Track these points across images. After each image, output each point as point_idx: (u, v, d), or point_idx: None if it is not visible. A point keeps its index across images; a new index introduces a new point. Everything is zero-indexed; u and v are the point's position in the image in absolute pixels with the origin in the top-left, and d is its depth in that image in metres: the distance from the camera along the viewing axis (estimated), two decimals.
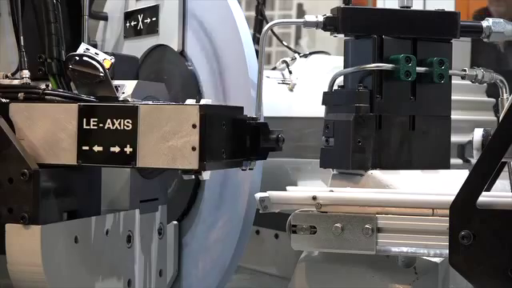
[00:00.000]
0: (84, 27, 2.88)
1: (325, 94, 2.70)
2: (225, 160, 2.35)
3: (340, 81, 2.72)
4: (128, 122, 2.29)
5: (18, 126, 2.41)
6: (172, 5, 3.15)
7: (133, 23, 3.34)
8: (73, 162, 2.35)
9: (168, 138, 2.26)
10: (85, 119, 2.34)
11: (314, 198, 2.40)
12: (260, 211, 2.51)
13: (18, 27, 2.67)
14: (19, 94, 2.45)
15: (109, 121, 2.31)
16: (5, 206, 2.36)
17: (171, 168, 2.31)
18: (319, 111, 2.82)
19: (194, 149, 2.24)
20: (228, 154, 2.37)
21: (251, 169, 2.60)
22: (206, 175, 2.33)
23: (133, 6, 3.35)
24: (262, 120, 2.95)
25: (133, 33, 3.34)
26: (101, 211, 2.57)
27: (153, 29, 3.24)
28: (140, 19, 3.30)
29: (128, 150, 2.29)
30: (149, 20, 3.26)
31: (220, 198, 3.05)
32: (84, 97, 2.45)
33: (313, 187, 2.93)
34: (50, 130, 2.38)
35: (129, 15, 3.36)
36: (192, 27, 3.11)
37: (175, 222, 3.06)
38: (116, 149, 2.30)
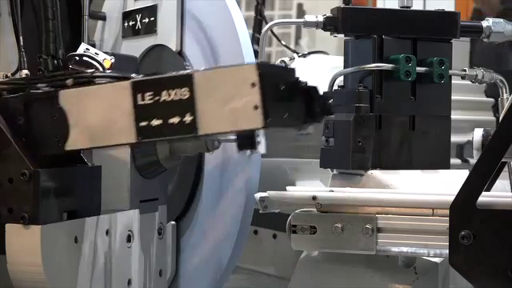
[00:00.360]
0: (84, 27, 2.87)
1: (325, 93, 2.70)
2: (286, 119, 2.25)
3: (340, 81, 2.73)
4: (184, 91, 2.22)
5: (70, 112, 2.35)
6: (170, 5, 3.15)
7: (131, 23, 3.33)
8: (132, 140, 2.29)
9: (228, 101, 2.18)
10: (139, 95, 2.27)
11: (314, 197, 2.40)
12: (260, 211, 2.51)
13: (17, 27, 2.67)
14: (68, 81, 2.39)
15: (164, 92, 2.24)
16: (5, 205, 2.35)
17: (235, 130, 2.23)
18: None
19: (256, 107, 2.15)
20: (287, 113, 2.26)
21: (307, 133, 2.50)
22: (262, 148, 2.29)
23: (131, 6, 3.35)
24: None
25: (131, 33, 3.33)
26: (101, 211, 2.56)
27: (151, 29, 3.23)
28: (138, 19, 3.30)
29: (188, 119, 2.22)
30: (147, 20, 3.26)
31: (218, 197, 3.05)
32: (133, 75, 2.40)
33: (313, 187, 2.93)
34: (104, 112, 2.32)
35: (127, 15, 3.36)
36: (190, 27, 3.11)
37: (173, 223, 3.06)
38: (175, 119, 2.23)
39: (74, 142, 2.35)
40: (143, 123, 2.26)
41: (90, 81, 2.38)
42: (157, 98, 2.25)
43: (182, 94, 2.22)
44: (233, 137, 2.47)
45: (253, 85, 2.15)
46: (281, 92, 2.21)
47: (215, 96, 2.20)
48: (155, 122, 2.25)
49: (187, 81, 2.22)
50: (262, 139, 2.30)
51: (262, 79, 2.15)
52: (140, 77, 2.37)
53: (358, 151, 2.62)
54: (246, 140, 2.29)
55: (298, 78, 2.31)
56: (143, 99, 2.26)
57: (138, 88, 2.27)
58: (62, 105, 2.36)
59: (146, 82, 2.29)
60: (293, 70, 2.33)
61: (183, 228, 3.10)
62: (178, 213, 3.11)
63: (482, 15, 5.68)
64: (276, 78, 2.22)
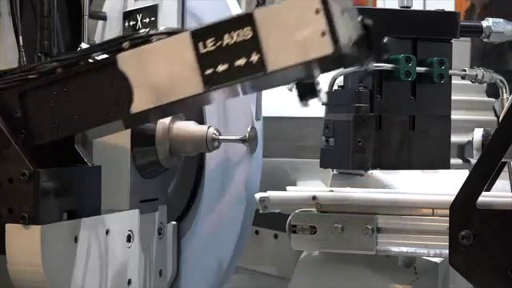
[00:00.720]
0: (84, 27, 2.87)
1: (325, 93, 2.70)
2: (353, 47, 2.15)
3: (340, 81, 2.72)
4: (246, 31, 2.16)
5: (131, 75, 2.30)
6: (171, 5, 3.15)
7: (132, 23, 3.33)
8: (200, 90, 2.24)
9: (293, 33, 2.11)
10: (200, 43, 2.21)
11: (314, 198, 2.40)
12: (260, 211, 2.51)
13: (17, 27, 2.67)
14: (124, 44, 2.34)
15: (226, 36, 2.18)
16: (5, 205, 2.35)
17: (305, 61, 2.15)
18: (319, 111, 2.82)
19: (323, 34, 2.08)
20: (353, 43, 2.16)
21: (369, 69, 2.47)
22: (323, 96, 2.24)
23: (132, 6, 3.35)
24: (260, 120, 2.96)
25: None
26: (101, 211, 2.57)
27: (152, 28, 3.23)
28: (139, 19, 3.30)
29: (254, 58, 2.16)
30: (148, 20, 3.26)
31: (219, 197, 3.05)
32: (188, 27, 2.36)
33: (313, 187, 2.93)
34: (167, 68, 2.27)
35: (127, 15, 3.36)
36: (191, 27, 3.11)
37: (174, 223, 3.06)
38: (242, 61, 2.17)
39: (140, 104, 2.30)
40: (209, 71, 2.21)
41: (146, 40, 2.33)
42: (219, 43, 2.19)
43: (245, 34, 2.16)
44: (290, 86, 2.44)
45: (317, 11, 2.08)
46: (344, 19, 2.12)
47: (279, 30, 2.14)
48: (221, 68, 2.19)
49: (248, 20, 2.16)
50: (322, 87, 2.25)
51: (325, 4, 2.08)
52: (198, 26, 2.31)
53: (357, 151, 2.62)
54: (307, 89, 2.25)
55: (356, 8, 2.23)
56: (205, 47, 2.20)
57: (198, 37, 2.21)
58: (121, 69, 2.32)
59: (206, 29, 2.23)
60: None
61: (184, 228, 3.11)
62: (179, 213, 3.12)
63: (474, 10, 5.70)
64: (338, 3, 2.13)
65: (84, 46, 2.56)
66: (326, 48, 2.09)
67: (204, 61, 2.21)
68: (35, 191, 2.32)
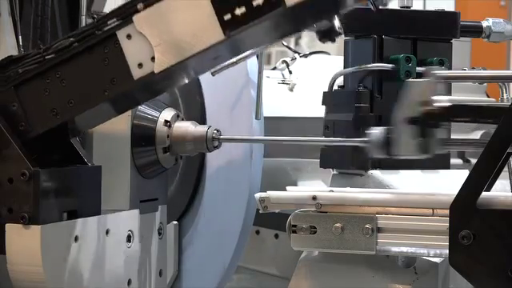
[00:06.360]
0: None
1: (325, 93, 2.70)
2: None
3: (340, 81, 2.73)
4: None
5: (151, 34, 2.28)
6: None
7: None
8: (221, 37, 2.21)
9: None
10: None
11: (314, 197, 2.40)
12: (260, 211, 2.51)
13: (17, 27, 2.67)
14: (138, 6, 2.30)
15: None
16: (5, 206, 2.35)
17: None
18: (319, 111, 2.82)
19: None
20: None
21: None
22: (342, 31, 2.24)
23: None
24: (260, 120, 2.96)
25: None
26: (101, 211, 2.57)
27: None
28: None
29: None
30: None
31: (220, 197, 3.05)
32: None
33: (313, 187, 2.93)
34: (184, 20, 2.25)
35: None
36: None
37: (175, 222, 3.06)
38: (259, 1, 2.15)
39: (162, 62, 2.28)
40: (227, 16, 2.18)
41: None
42: None
43: None
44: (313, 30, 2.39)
45: None
46: None
47: None
48: (239, 11, 2.17)
49: None
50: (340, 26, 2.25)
51: None
52: None
53: (358, 151, 2.62)
54: (327, 32, 2.25)
55: None
56: None
57: None
58: (139, 30, 2.29)
59: None
60: None
61: (185, 228, 3.11)
62: (180, 213, 3.12)
63: None
64: None
65: None
66: None
67: (220, 7, 2.19)
68: (35, 191, 2.32)
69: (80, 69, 2.35)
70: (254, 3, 2.15)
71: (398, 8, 2.66)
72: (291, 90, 3.61)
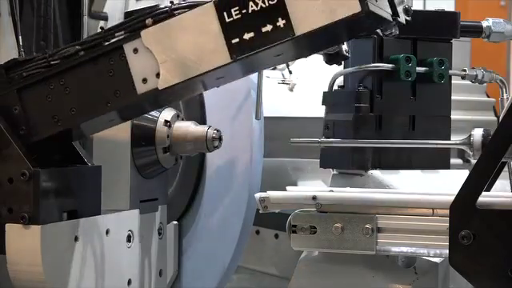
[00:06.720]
0: (84, 27, 2.87)
1: (325, 93, 2.70)
2: (380, 5, 2.14)
3: (340, 81, 2.72)
4: None
5: (157, 50, 2.28)
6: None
7: None
8: (227, 60, 2.22)
9: None
10: (225, 13, 2.20)
11: (314, 197, 2.40)
12: (260, 211, 2.51)
13: (17, 27, 2.67)
14: (147, 21, 2.31)
15: (250, 3, 2.17)
16: (5, 206, 2.35)
17: (332, 22, 2.13)
18: (319, 111, 2.82)
19: None
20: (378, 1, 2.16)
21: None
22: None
23: (133, 6, 3.35)
24: (261, 120, 2.96)
25: None
26: (101, 211, 2.57)
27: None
28: None
29: (281, 23, 2.15)
30: None
31: (220, 197, 3.05)
32: None
33: (313, 187, 2.93)
34: (192, 40, 2.25)
35: (129, 15, 3.36)
36: None
37: (175, 222, 3.06)
38: (268, 27, 2.16)
39: (167, 79, 2.27)
40: (235, 40, 2.19)
41: (170, 15, 2.29)
42: (244, 10, 2.17)
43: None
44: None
45: None
46: None
47: None
48: (247, 36, 2.18)
49: None
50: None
51: None
52: None
53: (357, 151, 2.62)
54: (334, 55, 2.27)
55: None
56: (230, 16, 2.19)
57: (222, 6, 2.20)
58: (146, 45, 2.30)
59: None
60: None
61: (185, 228, 3.11)
62: (180, 213, 3.12)
63: None
64: None
65: None
66: (353, 7, 2.06)
67: (229, 30, 2.19)
68: (35, 191, 2.32)
69: (84, 78, 2.35)
70: (263, 29, 2.16)
71: None
72: (291, 90, 3.61)
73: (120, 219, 2.65)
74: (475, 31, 2.74)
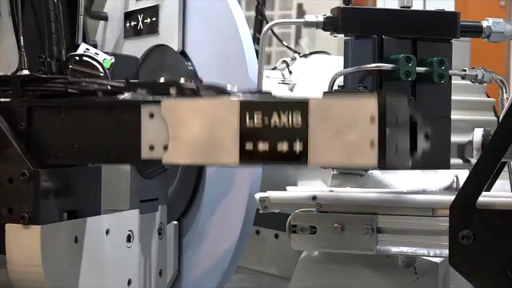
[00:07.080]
0: (80, 27, 2.86)
1: (325, 93, 2.70)
2: (398, 157, 2.10)
3: (340, 81, 2.72)
4: (297, 117, 2.06)
5: (171, 123, 2.19)
6: (172, 5, 3.15)
7: (133, 23, 3.34)
8: (234, 161, 2.13)
9: (342, 134, 2.03)
10: (247, 115, 2.10)
11: (314, 197, 2.40)
12: (260, 211, 2.51)
13: (17, 27, 2.67)
14: (171, 89, 2.25)
15: (275, 116, 2.09)
16: (5, 206, 2.35)
17: (346, 164, 2.14)
18: None
19: (372, 144, 2.00)
20: (398, 151, 2.11)
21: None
22: None
23: (133, 6, 3.36)
24: None
25: (133, 33, 3.34)
26: (101, 211, 2.57)
27: (153, 29, 3.24)
28: (140, 19, 3.31)
29: (298, 147, 2.07)
30: (149, 20, 3.27)
31: (220, 198, 3.05)
32: (236, 89, 2.27)
33: (313, 187, 2.93)
34: (207, 128, 2.16)
35: (129, 15, 3.37)
36: (192, 27, 3.12)
37: (175, 222, 3.07)
38: (284, 147, 2.08)
39: (173, 156, 2.20)
40: (249, 146, 2.10)
41: (195, 92, 2.25)
42: (266, 121, 2.09)
43: (295, 119, 2.07)
44: None
45: (372, 119, 2.00)
46: (398, 127, 2.07)
47: (329, 126, 2.04)
48: (262, 147, 2.09)
49: (302, 106, 2.06)
50: None
51: (381, 113, 1.99)
52: (249, 96, 2.23)
53: None
54: None
55: (408, 110, 2.17)
56: (252, 120, 2.10)
57: (247, 107, 2.11)
58: (163, 114, 2.21)
59: (257, 102, 2.13)
60: (405, 100, 2.18)
61: (185, 228, 3.11)
62: (180, 212, 3.12)
63: None
64: (395, 112, 2.07)
65: (83, 45, 2.56)
66: (370, 159, 2.01)
67: (247, 134, 2.11)
68: (35, 191, 2.32)
69: (96, 120, 2.31)
70: (278, 147, 2.08)
71: (398, 8, 2.66)
72: (291, 90, 3.60)
73: (120, 219, 2.65)
74: (475, 31, 2.74)
